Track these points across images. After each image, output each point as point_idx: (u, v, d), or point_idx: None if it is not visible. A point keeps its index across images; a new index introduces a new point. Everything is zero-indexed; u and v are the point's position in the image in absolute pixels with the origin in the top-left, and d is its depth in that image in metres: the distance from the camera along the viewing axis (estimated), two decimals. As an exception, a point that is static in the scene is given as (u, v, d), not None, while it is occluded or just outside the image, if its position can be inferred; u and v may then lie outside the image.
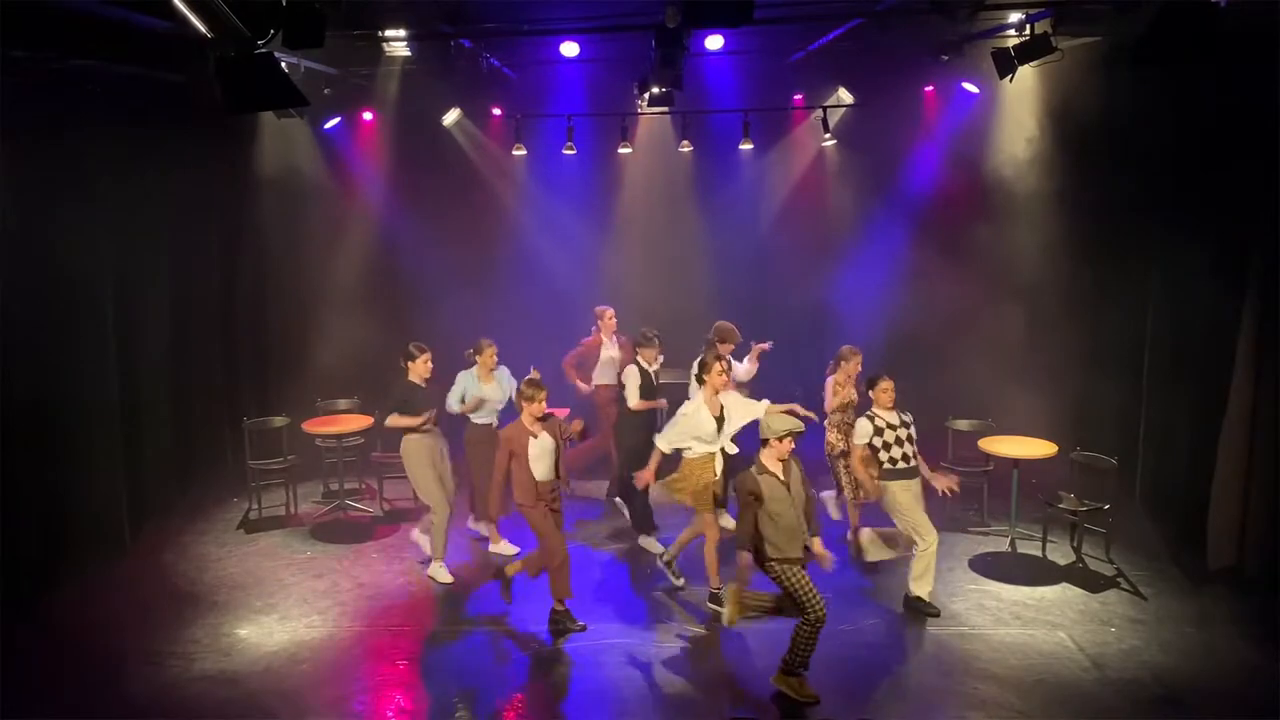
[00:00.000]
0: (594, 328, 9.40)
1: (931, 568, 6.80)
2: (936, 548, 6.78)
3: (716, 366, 6.87)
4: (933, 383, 10.14)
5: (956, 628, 6.60)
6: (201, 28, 4.58)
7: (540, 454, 6.51)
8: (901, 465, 6.79)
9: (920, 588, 6.80)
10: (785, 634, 6.43)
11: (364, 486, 9.34)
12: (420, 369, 7.55)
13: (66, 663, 6.21)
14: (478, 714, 5.74)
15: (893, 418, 6.86)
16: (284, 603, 7.09)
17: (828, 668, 6.10)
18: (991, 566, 7.58)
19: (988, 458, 8.26)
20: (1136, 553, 7.64)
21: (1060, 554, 7.69)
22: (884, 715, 5.67)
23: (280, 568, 7.72)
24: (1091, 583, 7.23)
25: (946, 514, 8.45)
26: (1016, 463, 7.89)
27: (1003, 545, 7.95)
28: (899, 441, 6.81)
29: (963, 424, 8.72)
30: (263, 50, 4.82)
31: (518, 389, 6.78)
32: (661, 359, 8.37)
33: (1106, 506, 7.45)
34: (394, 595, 7.23)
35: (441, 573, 7.45)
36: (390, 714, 5.76)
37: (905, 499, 6.77)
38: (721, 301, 11.20)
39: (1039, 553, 7.71)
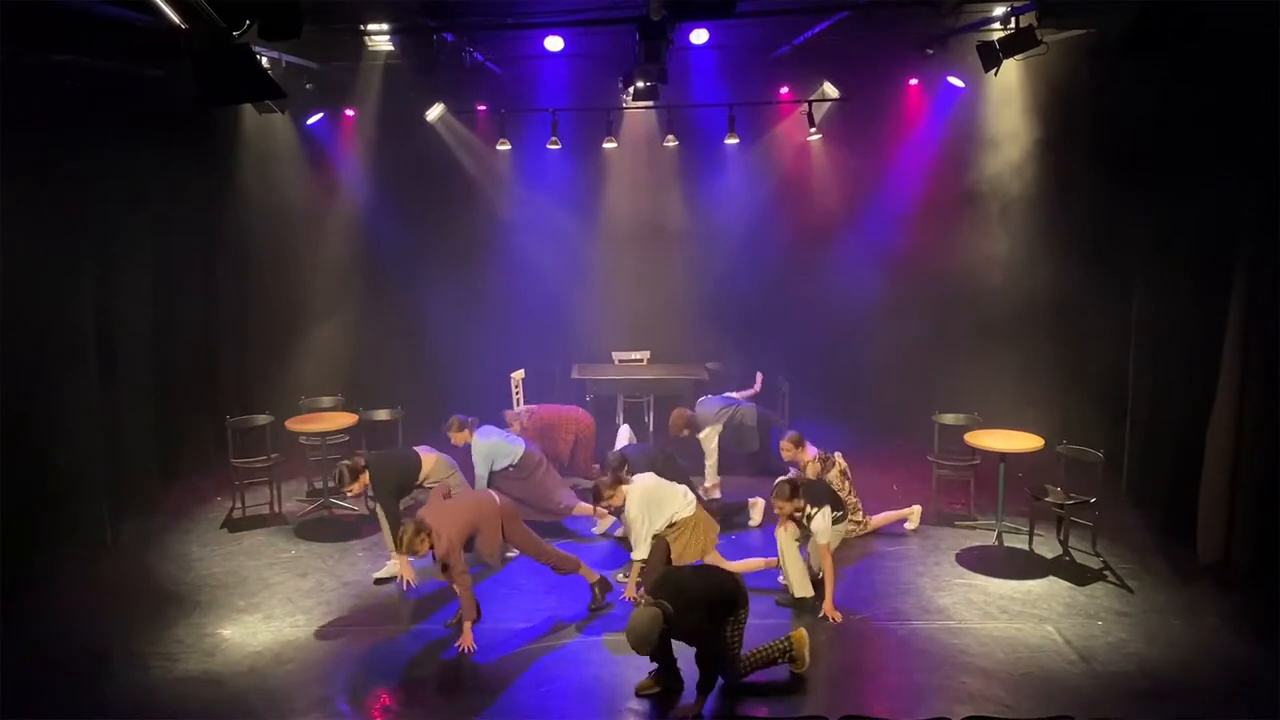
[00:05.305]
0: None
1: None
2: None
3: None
4: (919, 377, 10.16)
5: (943, 622, 6.60)
6: (176, 19, 4.52)
7: None
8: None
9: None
10: (779, 632, 6.43)
11: (349, 485, 9.26)
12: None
13: (48, 663, 6.13)
14: (465, 713, 5.69)
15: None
16: (268, 602, 7.03)
17: (814, 663, 6.08)
18: (978, 560, 7.57)
19: (974, 452, 8.24)
20: (1123, 546, 7.65)
21: (1047, 547, 7.69)
22: (871, 710, 5.64)
23: (264, 567, 7.65)
24: (1078, 576, 7.23)
25: (934, 509, 8.48)
26: (1003, 456, 7.88)
27: (989, 539, 7.95)
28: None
29: (949, 418, 8.70)
30: (238, 42, 4.76)
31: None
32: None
33: (1093, 500, 7.46)
34: (380, 594, 7.17)
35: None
36: (376, 714, 5.71)
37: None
38: (710, 297, 11.21)
39: (1026, 546, 7.71)
